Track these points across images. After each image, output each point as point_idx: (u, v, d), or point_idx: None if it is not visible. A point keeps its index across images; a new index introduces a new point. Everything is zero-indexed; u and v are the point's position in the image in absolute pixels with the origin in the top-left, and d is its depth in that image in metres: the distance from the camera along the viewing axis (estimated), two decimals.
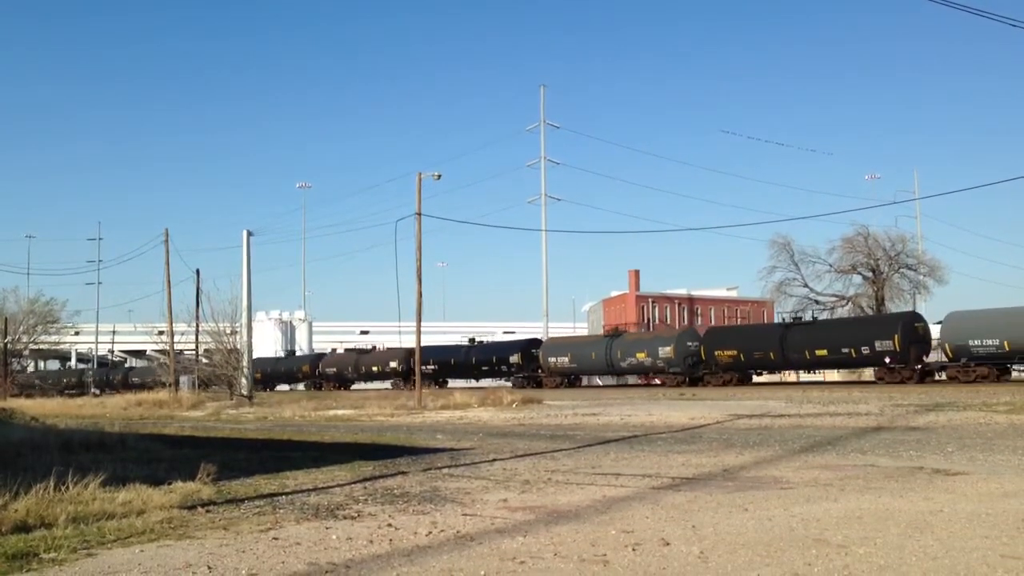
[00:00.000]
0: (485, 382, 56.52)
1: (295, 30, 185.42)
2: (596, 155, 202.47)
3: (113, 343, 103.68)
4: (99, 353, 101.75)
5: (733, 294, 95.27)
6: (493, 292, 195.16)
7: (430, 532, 7.64)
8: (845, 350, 40.45)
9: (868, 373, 46.39)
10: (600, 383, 53.40)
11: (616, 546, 6.87)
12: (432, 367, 56.36)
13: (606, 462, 13.18)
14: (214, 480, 10.63)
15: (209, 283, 50.48)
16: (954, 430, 17.20)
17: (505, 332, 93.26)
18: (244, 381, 45.03)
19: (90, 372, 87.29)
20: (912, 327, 39.44)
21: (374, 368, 63.70)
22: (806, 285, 65.11)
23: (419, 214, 35.56)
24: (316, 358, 72.69)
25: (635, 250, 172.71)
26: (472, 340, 61.85)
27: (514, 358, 54.73)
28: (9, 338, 69.32)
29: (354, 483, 11.14)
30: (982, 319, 38.16)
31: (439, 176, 37.67)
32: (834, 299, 64.04)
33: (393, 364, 61.76)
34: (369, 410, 32.15)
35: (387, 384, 62.05)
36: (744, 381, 43.91)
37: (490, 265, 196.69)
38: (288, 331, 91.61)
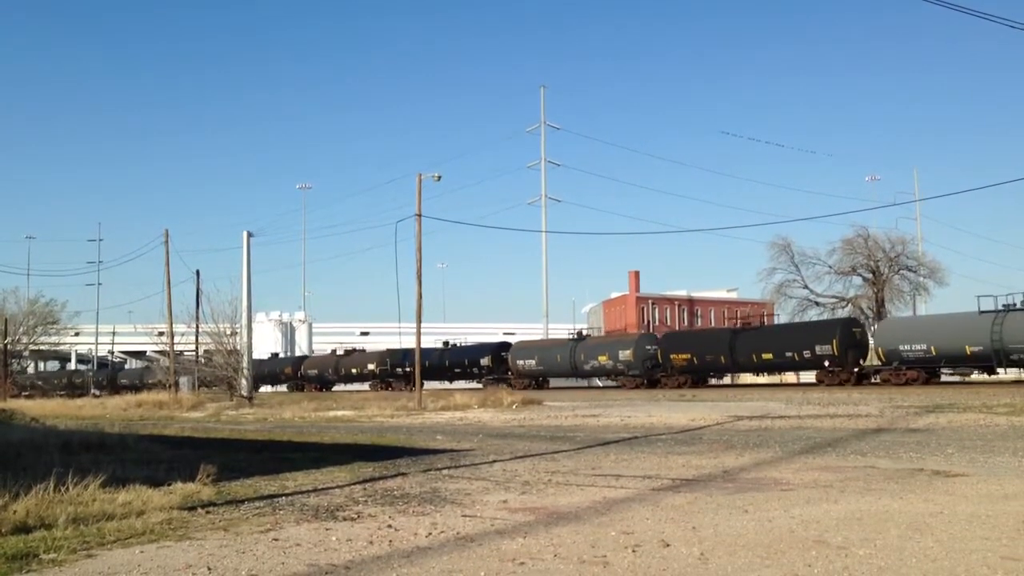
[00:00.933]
0: (458, 383, 57.97)
1: (295, 31, 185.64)
2: (596, 156, 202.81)
3: (113, 344, 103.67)
4: (99, 354, 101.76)
5: (733, 295, 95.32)
6: (494, 293, 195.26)
7: (430, 533, 7.64)
8: (789, 354, 42.65)
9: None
10: (564, 385, 55.21)
11: (616, 547, 6.87)
12: (408, 368, 57.52)
13: (606, 463, 13.18)
14: (214, 481, 10.63)
15: (209, 284, 50.66)
16: (954, 432, 17.19)
17: (506, 333, 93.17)
18: (244, 382, 45.03)
19: (90, 373, 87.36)
20: (850, 332, 41.74)
21: (353, 370, 65.01)
22: (806, 287, 65.19)
23: (419, 215, 35.57)
24: (298, 360, 73.97)
25: (635, 251, 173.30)
26: (446, 343, 63.60)
27: (485, 360, 56.43)
28: (9, 339, 69.37)
29: (354, 484, 11.14)
30: (912, 325, 41.92)
31: (439, 177, 37.71)
32: (834, 300, 64.08)
33: (371, 366, 63.21)
34: (369, 411, 32.15)
35: (366, 386, 63.22)
36: (698, 383, 45.73)
37: (491, 266, 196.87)
38: (288, 332, 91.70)
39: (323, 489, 10.71)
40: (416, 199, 35.68)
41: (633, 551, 6.72)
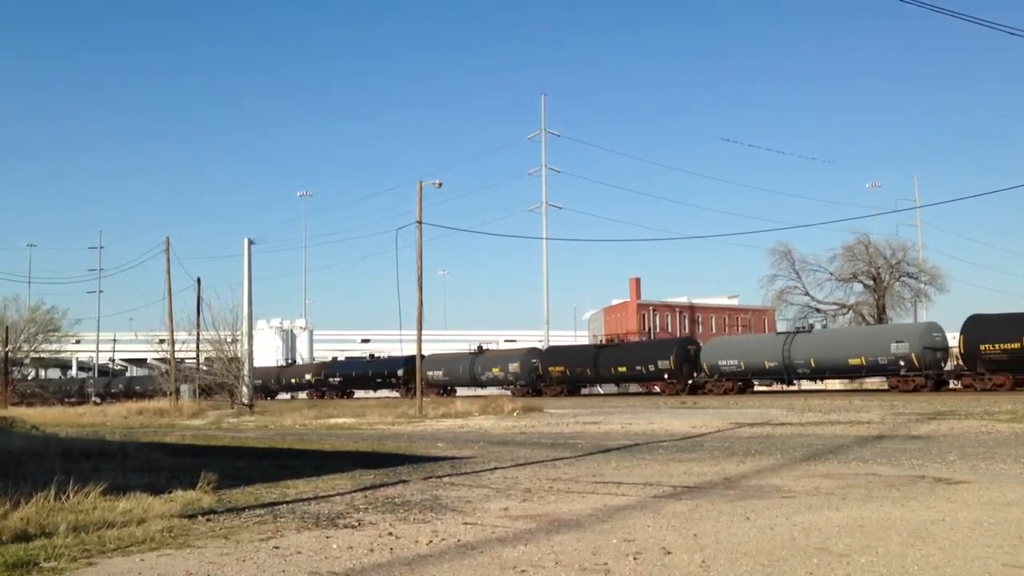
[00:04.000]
0: (381, 392, 64.91)
1: (296, 38, 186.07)
2: (597, 163, 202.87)
3: (114, 351, 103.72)
4: (100, 362, 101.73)
5: (734, 302, 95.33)
6: (495, 300, 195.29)
7: (431, 541, 7.63)
8: (638, 367, 49.68)
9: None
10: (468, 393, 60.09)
11: (617, 555, 6.86)
12: (339, 379, 67.05)
13: (607, 470, 13.16)
14: (215, 489, 10.61)
15: (210, 291, 50.39)
16: (956, 439, 17.16)
17: (507, 340, 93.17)
18: (245, 389, 45.01)
19: (91, 380, 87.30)
20: (685, 349, 48.63)
21: (292, 380, 71.81)
22: (807, 293, 65.23)
23: (420, 222, 35.61)
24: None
25: (636, 258, 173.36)
26: (371, 356, 71.19)
27: (401, 372, 61.64)
28: (10, 346, 69.31)
29: (355, 492, 11.12)
30: (728, 344, 50.18)
31: (440, 184, 37.77)
32: (835, 307, 64.13)
33: (308, 376, 70.93)
34: (370, 418, 32.11)
35: (303, 394, 70.46)
36: (572, 392, 51.24)
37: (492, 273, 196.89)
38: (289, 339, 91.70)
39: (324, 496, 10.69)
40: (417, 206, 35.72)
41: (634, 559, 6.71)
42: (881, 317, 59.94)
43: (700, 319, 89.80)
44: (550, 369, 53.22)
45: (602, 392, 55.92)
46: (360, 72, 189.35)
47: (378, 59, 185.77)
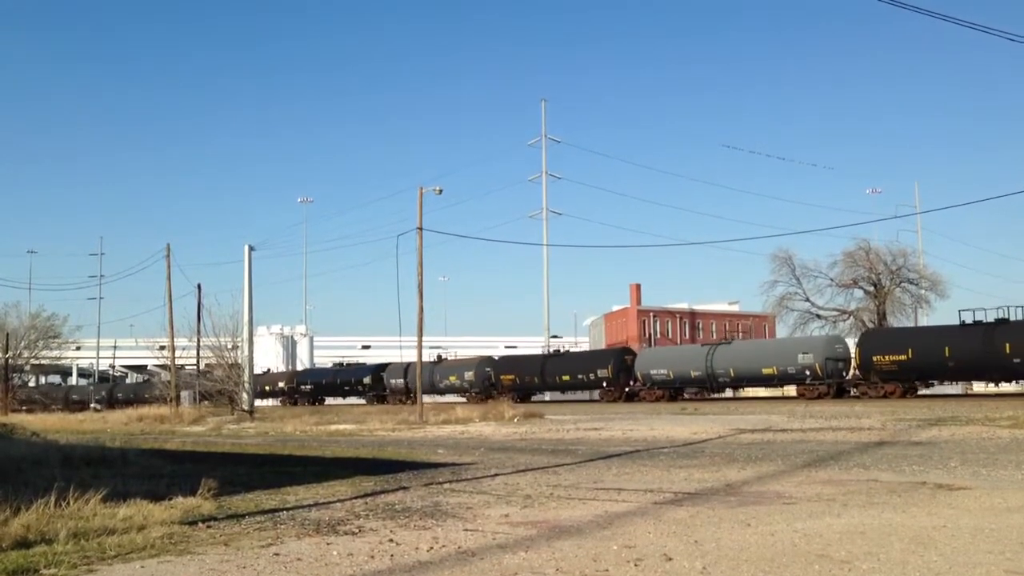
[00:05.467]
0: (350, 399, 67.21)
1: (296, 44, 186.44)
2: (597, 169, 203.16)
3: (114, 358, 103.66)
4: (100, 368, 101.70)
5: (735, 308, 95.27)
6: (496, 306, 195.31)
7: (431, 547, 7.62)
8: (580, 376, 52.69)
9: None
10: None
11: (618, 561, 6.85)
12: (310, 386, 70.16)
13: (608, 477, 13.14)
14: (215, 495, 10.61)
15: (210, 298, 50.69)
16: (957, 445, 17.15)
17: (507, 347, 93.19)
18: (245, 396, 44.99)
19: (91, 387, 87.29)
20: (622, 360, 51.40)
21: (266, 387, 72.57)
22: (808, 299, 65.16)
23: (420, 228, 35.64)
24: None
25: (637, 264, 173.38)
26: (341, 363, 74.34)
27: (367, 379, 65.31)
28: (10, 353, 69.31)
29: (355, 498, 11.11)
30: (658, 355, 53.77)
31: (440, 191, 37.84)
32: (836, 313, 64.04)
33: (281, 384, 73.17)
34: (371, 425, 32.10)
35: (276, 401, 72.28)
36: (523, 399, 52.04)
37: (492, 279, 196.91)
38: (289, 345, 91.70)
39: (324, 503, 10.69)
40: (417, 212, 35.75)
41: (635, 565, 6.70)
42: (882, 323, 59.89)
43: (701, 325, 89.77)
44: (502, 377, 55.96)
45: (548, 399, 57.65)
46: (360, 78, 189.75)
47: (378, 65, 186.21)
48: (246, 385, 45.32)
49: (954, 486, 10.92)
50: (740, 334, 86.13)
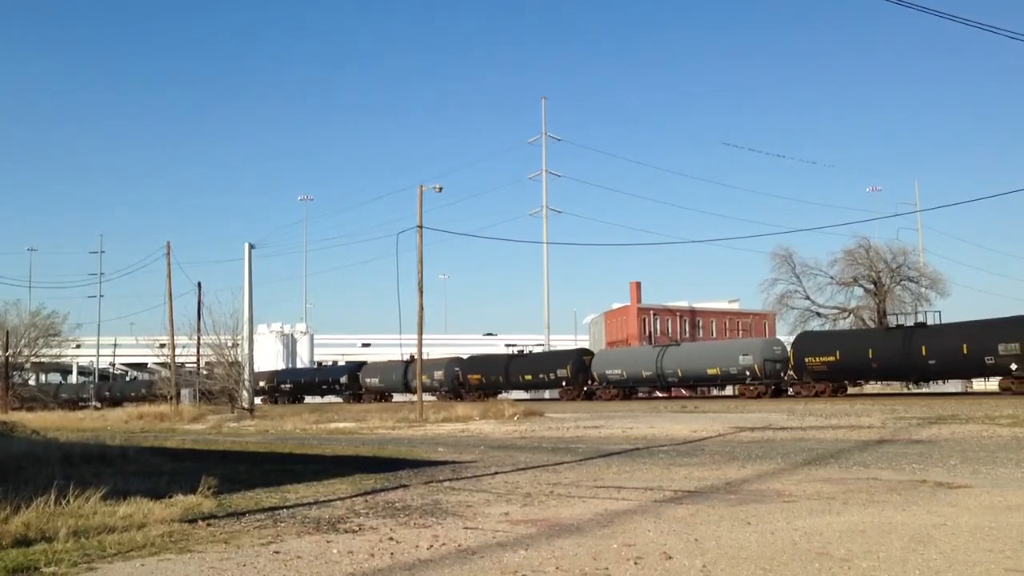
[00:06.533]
0: (328, 397, 69.66)
1: (296, 42, 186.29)
2: (597, 167, 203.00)
3: (115, 356, 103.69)
4: (101, 366, 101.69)
5: (735, 306, 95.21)
6: (496, 304, 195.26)
7: (431, 546, 7.62)
8: (541, 375, 55.40)
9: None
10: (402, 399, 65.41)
11: (618, 560, 6.85)
12: (290, 385, 73.16)
13: (608, 475, 13.14)
14: (215, 493, 10.61)
15: (211, 296, 50.73)
16: (957, 443, 17.14)
17: (507, 345, 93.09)
18: (245, 394, 45.00)
19: (91, 385, 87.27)
20: (581, 360, 53.71)
21: None
22: (808, 297, 65.13)
23: (420, 227, 35.62)
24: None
25: (637, 262, 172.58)
26: (318, 364, 78.64)
27: (343, 379, 68.21)
28: (11, 351, 69.30)
29: (355, 496, 11.11)
30: (613, 355, 57.16)
31: (440, 188, 37.80)
32: (836, 311, 64.01)
33: (262, 383, 72.97)
34: (371, 423, 32.11)
35: (258, 400, 73.93)
36: (489, 397, 53.67)
37: (492, 277, 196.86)
38: (289, 343, 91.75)
39: (324, 501, 10.69)
40: (418, 210, 35.73)
41: (635, 563, 6.70)
42: (882, 321, 59.86)
43: (701, 323, 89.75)
44: (469, 376, 58.57)
45: (513, 397, 58.45)
46: (360, 76, 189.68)
47: (378, 63, 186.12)
48: (246, 383, 45.33)
49: (954, 484, 10.92)
50: (740, 332, 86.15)
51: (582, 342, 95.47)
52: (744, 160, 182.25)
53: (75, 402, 75.21)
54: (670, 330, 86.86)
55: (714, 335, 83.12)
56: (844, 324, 61.44)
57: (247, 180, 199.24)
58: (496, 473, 13.80)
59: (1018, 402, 28.75)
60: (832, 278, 64.34)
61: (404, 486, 12.18)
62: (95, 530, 8.29)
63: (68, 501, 9.29)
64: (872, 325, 59.72)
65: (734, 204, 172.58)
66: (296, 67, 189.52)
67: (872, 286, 62.73)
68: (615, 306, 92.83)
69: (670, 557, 6.87)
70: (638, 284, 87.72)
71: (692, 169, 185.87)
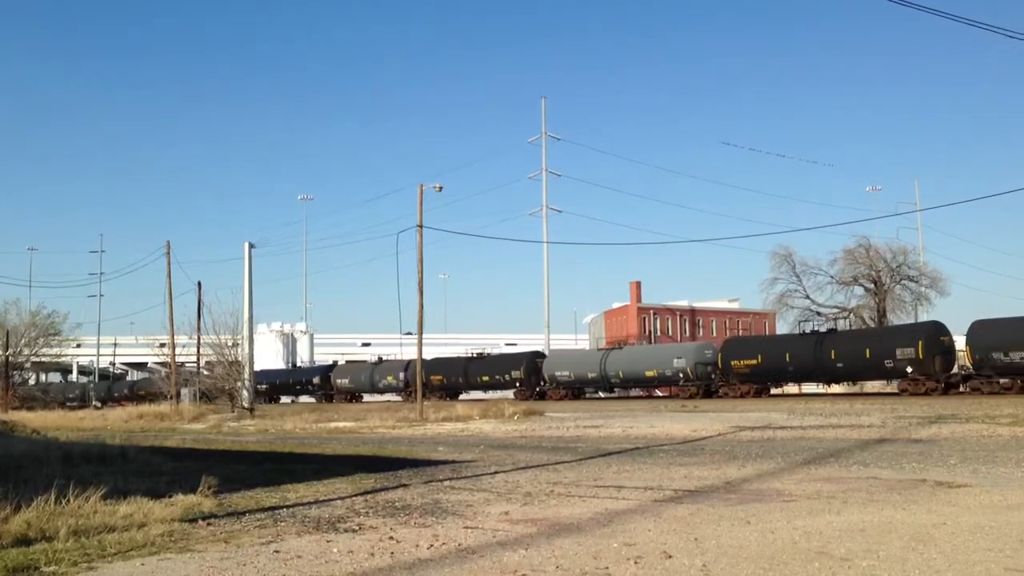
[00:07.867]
0: (303, 398, 72.22)
1: (296, 42, 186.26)
2: (597, 167, 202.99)
3: (115, 356, 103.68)
4: (101, 366, 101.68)
5: (735, 306, 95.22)
6: (496, 303, 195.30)
7: (432, 545, 7.62)
8: (498, 376, 57.98)
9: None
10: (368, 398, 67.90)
11: (618, 559, 6.85)
12: (266, 386, 72.91)
13: (608, 474, 13.15)
14: (215, 493, 10.61)
15: (211, 295, 50.49)
16: (957, 442, 17.15)
17: (507, 344, 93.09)
18: (245, 393, 44.98)
19: (91, 385, 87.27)
20: (533, 362, 56.51)
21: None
22: (808, 297, 65.16)
23: (421, 226, 35.60)
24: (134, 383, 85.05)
25: (637, 262, 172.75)
26: (294, 365, 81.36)
27: (316, 379, 70.30)
28: (10, 351, 69.25)
29: (355, 496, 11.12)
30: (561, 357, 59.53)
31: (440, 188, 37.75)
32: (836, 311, 63.96)
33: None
34: (371, 422, 32.10)
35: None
36: (450, 397, 56.10)
37: (492, 277, 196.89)
38: (290, 343, 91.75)
39: (324, 501, 10.69)
40: (418, 209, 35.72)
41: (635, 563, 6.70)
42: (882, 320, 59.89)
43: (701, 322, 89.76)
44: (432, 377, 59.53)
45: (471, 398, 60.16)
46: (361, 75, 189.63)
47: (379, 63, 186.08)
48: (246, 383, 45.31)
49: (954, 484, 10.92)
50: (740, 331, 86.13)
51: (582, 342, 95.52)
52: (744, 160, 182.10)
53: (75, 401, 75.18)
54: (670, 330, 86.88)
55: (714, 334, 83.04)
56: (844, 324, 61.45)
57: (247, 180, 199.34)
58: (496, 472, 13.81)
59: (1018, 401, 28.74)
60: (832, 277, 64.42)
61: (404, 485, 12.19)
62: (95, 530, 8.29)
63: (68, 500, 9.28)
64: (872, 324, 59.75)
65: (734, 204, 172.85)
66: (296, 67, 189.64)
67: (872, 285, 62.74)
68: (615, 305, 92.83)
69: (670, 556, 6.87)
70: (638, 284, 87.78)
71: (692, 168, 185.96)
